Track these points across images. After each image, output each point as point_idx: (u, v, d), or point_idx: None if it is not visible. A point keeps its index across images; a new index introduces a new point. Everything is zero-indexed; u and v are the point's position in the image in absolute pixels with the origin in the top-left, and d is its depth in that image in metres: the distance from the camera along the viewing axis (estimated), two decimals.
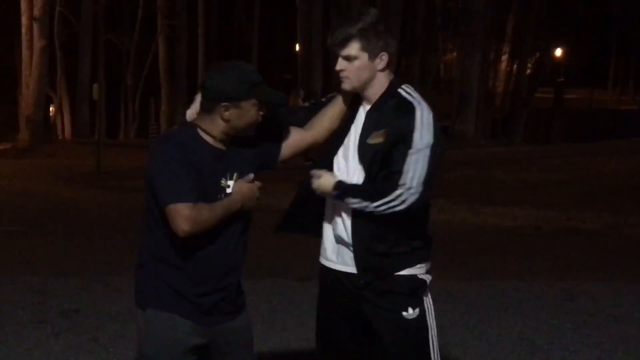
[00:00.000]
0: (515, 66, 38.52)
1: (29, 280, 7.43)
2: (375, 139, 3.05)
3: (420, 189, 2.97)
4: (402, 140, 3.00)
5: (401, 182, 2.97)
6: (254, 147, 3.19)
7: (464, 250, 9.15)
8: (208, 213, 2.94)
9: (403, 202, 2.97)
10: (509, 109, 36.96)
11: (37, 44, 25.80)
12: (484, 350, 5.56)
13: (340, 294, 3.23)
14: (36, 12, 25.61)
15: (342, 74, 3.08)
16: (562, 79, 41.15)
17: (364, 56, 3.05)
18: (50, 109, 35.76)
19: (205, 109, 3.06)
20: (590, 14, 40.46)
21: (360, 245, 3.11)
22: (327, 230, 3.25)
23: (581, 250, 9.57)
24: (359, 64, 3.05)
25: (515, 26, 36.39)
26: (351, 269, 3.16)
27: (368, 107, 3.16)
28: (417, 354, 3.15)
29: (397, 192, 2.97)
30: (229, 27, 40.00)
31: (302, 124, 3.28)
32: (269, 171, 3.27)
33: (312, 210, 3.27)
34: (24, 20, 26.30)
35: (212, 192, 3.03)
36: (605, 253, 9.45)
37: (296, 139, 3.27)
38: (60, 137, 33.57)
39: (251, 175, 3.10)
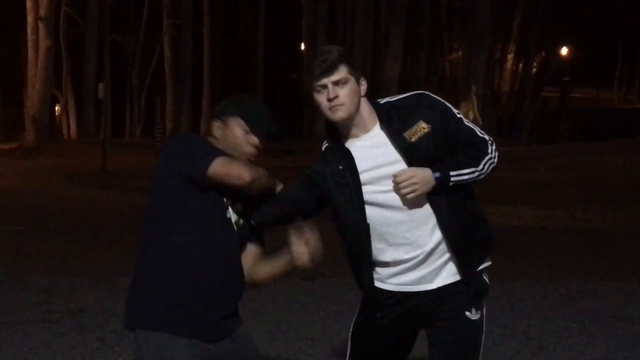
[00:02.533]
0: (520, 65, 38.52)
1: (35, 280, 7.45)
2: (417, 134, 3.02)
3: (489, 136, 3.16)
4: (447, 116, 3.06)
5: (485, 137, 3.13)
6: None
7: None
8: (260, 170, 2.91)
9: (495, 154, 3.13)
10: (515, 108, 36.94)
11: (43, 43, 25.86)
12: (489, 349, 5.54)
13: (400, 315, 3.18)
14: (42, 11, 25.66)
15: (336, 102, 2.98)
16: (568, 78, 41.07)
17: (352, 80, 3.01)
18: (56, 108, 35.87)
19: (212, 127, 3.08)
20: (596, 12, 40.36)
21: (457, 246, 3.10)
22: (393, 255, 3.13)
23: (587, 249, 9.56)
24: (350, 87, 3.00)
25: (520, 25, 36.35)
26: (435, 285, 3.12)
27: (364, 134, 3.08)
28: (469, 356, 3.17)
29: (489, 147, 3.11)
30: (235, 27, 40.02)
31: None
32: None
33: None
34: (29, 20, 26.37)
35: (215, 201, 2.94)
36: (611, 252, 9.43)
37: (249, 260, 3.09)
38: (65, 137, 33.64)
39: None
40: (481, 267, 3.21)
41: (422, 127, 3.02)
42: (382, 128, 3.07)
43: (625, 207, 12.36)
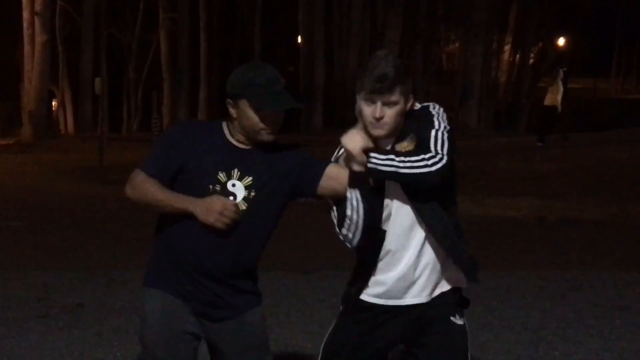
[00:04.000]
0: (517, 56, 38.49)
1: (33, 275, 7.45)
2: (405, 148, 2.97)
3: (446, 157, 2.88)
4: (424, 124, 2.97)
5: (433, 151, 2.89)
6: (296, 167, 3.05)
7: (468, 241, 9.13)
8: (153, 188, 2.94)
9: (432, 165, 2.86)
10: (512, 100, 36.94)
11: (39, 38, 25.82)
12: (488, 340, 5.56)
13: (385, 327, 3.17)
14: (37, 6, 25.63)
15: (382, 121, 2.92)
16: (566, 69, 41.04)
17: (402, 101, 2.94)
18: (53, 103, 35.78)
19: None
20: (593, 3, 40.33)
21: (455, 256, 3.14)
22: (390, 269, 3.11)
23: (585, 240, 9.56)
24: (398, 109, 2.94)
25: (517, 16, 36.32)
26: (419, 299, 3.13)
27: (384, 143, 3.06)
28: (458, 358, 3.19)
29: (429, 154, 2.88)
30: (231, 20, 39.94)
31: None
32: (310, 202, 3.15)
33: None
34: (25, 14, 26.32)
35: (202, 179, 2.95)
36: (609, 243, 9.44)
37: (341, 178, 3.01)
38: (62, 132, 33.62)
39: (235, 202, 2.94)
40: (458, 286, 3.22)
41: (412, 141, 2.98)
42: (395, 142, 3.05)
43: (623, 197, 12.35)
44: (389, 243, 3.05)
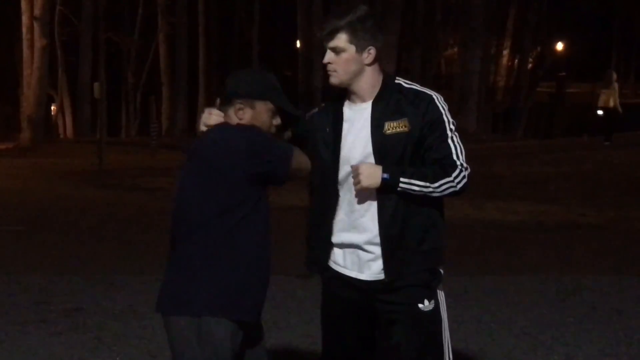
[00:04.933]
0: (516, 61, 38.50)
1: (31, 280, 7.44)
2: (395, 129, 3.05)
3: (468, 168, 3.10)
4: (433, 127, 3.06)
5: (458, 162, 3.07)
6: None
7: (466, 245, 9.14)
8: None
9: (460, 181, 3.07)
10: (510, 104, 36.94)
11: (38, 43, 25.82)
12: (486, 345, 5.56)
13: (350, 297, 3.21)
14: (36, 11, 25.63)
15: (329, 67, 3.08)
16: (564, 73, 41.05)
17: (351, 49, 3.05)
18: (52, 108, 35.80)
19: (223, 109, 3.06)
20: (591, 7, 40.36)
21: (388, 245, 3.09)
22: (339, 236, 3.19)
23: (583, 244, 9.56)
24: (346, 57, 3.05)
25: (516, 20, 36.35)
26: (364, 276, 3.14)
27: (360, 102, 3.14)
28: (431, 347, 3.15)
29: (456, 172, 3.06)
30: (230, 25, 39.95)
31: None
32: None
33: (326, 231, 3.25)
34: (24, 19, 26.32)
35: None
36: (608, 247, 9.44)
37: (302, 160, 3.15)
38: (61, 136, 33.63)
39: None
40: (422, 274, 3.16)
41: (403, 125, 3.06)
42: (373, 104, 3.11)
43: (622, 201, 12.36)
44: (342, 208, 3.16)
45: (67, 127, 34.76)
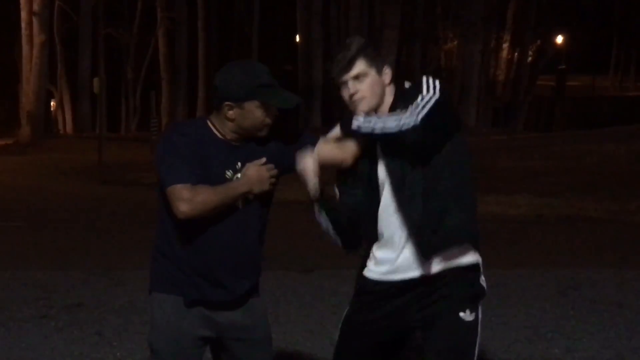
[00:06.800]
0: (516, 54, 38.45)
1: (32, 275, 7.45)
2: None
3: (418, 121, 2.88)
4: (414, 97, 2.97)
5: (408, 110, 2.91)
6: (279, 148, 3.12)
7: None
8: (206, 193, 2.91)
9: (407, 121, 2.89)
10: (510, 97, 36.93)
11: (37, 38, 25.81)
12: (487, 339, 5.55)
13: (388, 307, 3.16)
14: (36, 6, 25.61)
15: (356, 97, 3.01)
16: (564, 67, 41.04)
17: (372, 71, 3.03)
18: (51, 103, 35.79)
19: (214, 107, 3.07)
20: (591, 0, 40.30)
21: (411, 234, 3.05)
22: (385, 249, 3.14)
23: (583, 237, 9.57)
24: (370, 81, 3.02)
25: (515, 14, 36.29)
26: (413, 273, 3.08)
27: None
28: (463, 357, 3.14)
29: (407, 117, 2.90)
30: (229, 20, 39.92)
31: None
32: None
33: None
34: (23, 15, 26.31)
35: (216, 183, 2.99)
36: (608, 240, 9.44)
37: (326, 151, 3.11)
38: (61, 132, 33.61)
39: (263, 159, 3.03)
40: (458, 264, 3.09)
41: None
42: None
43: (622, 195, 12.36)
44: (380, 228, 3.11)
45: (66, 122, 34.75)
